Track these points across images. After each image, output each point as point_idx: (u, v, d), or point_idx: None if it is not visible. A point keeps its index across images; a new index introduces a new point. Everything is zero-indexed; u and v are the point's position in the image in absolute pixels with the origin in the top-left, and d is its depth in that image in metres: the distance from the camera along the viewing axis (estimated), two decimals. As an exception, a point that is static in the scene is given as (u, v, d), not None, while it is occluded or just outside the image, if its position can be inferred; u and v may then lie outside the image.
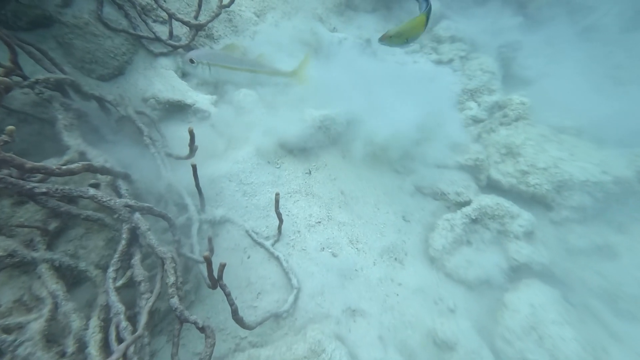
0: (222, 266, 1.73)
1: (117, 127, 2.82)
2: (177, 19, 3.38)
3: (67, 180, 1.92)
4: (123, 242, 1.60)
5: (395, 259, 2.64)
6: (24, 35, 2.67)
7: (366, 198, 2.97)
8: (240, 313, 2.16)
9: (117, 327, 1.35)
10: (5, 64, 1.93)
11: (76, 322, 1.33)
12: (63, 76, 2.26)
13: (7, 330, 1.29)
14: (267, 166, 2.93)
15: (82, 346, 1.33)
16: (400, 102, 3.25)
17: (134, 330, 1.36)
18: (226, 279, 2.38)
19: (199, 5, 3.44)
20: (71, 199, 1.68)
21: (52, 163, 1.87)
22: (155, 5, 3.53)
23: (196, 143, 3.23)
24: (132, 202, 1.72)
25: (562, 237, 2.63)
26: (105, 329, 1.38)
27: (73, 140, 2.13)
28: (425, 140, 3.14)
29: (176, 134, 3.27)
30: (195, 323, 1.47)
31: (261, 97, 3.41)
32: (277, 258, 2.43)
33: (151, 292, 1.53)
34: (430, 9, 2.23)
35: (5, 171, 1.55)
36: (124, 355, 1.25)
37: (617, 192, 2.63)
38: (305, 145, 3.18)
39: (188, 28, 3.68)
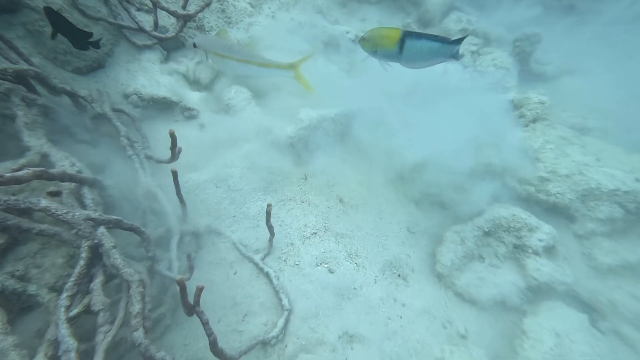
0: (199, 290, 1.53)
1: (92, 125, 2.62)
2: (163, 8, 3.17)
3: (24, 187, 1.73)
4: (81, 262, 1.40)
5: (399, 275, 2.43)
6: (-15, 21, 2.49)
7: (367, 206, 2.77)
8: (224, 338, 1.97)
9: (68, 367, 1.16)
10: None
11: (18, 362, 1.14)
12: (25, 67, 2.06)
13: None
14: (259, 170, 2.73)
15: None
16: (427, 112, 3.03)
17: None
18: (209, 298, 2.20)
19: None
20: (22, 211, 1.48)
21: (5, 167, 1.68)
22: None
23: (182, 144, 3.05)
24: (95, 215, 1.52)
25: (588, 253, 2.42)
26: (54, 369, 1.20)
27: (35, 141, 1.94)
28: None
29: (161, 133, 3.07)
30: (162, 362, 1.27)
31: (255, 94, 3.21)
32: (266, 274, 2.23)
33: (112, 323, 1.33)
34: (411, 34, 1.94)
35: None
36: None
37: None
38: (301, 148, 2.97)
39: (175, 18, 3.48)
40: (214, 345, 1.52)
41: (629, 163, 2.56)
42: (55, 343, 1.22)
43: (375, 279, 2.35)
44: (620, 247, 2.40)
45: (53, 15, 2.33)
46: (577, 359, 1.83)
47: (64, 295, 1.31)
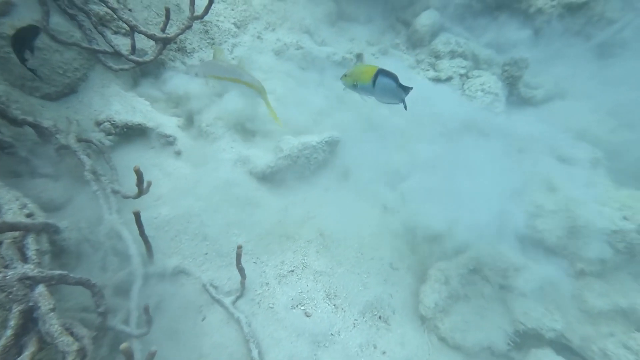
0: (151, 356, 1.39)
1: (57, 157, 2.48)
2: (140, 32, 3.06)
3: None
4: (9, 332, 1.25)
5: (380, 317, 2.29)
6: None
7: (349, 240, 2.64)
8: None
9: None
10: None
11: None
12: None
13: None
14: (235, 203, 2.60)
15: None
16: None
17: None
18: (173, 350, 2.04)
19: (167, 16, 3.12)
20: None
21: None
22: (115, 15, 3.23)
23: (156, 173, 2.92)
24: (33, 272, 1.37)
25: (578, 295, 2.32)
26: None
27: (-18, 181, 1.80)
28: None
29: (136, 162, 2.91)
30: None
31: (235, 121, 3.10)
32: (237, 320, 2.08)
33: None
34: (386, 72, 2.13)
35: None
36: None
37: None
38: (281, 177, 2.86)
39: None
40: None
41: (618, 199, 2.48)
42: None
43: (354, 323, 2.21)
44: (611, 289, 2.30)
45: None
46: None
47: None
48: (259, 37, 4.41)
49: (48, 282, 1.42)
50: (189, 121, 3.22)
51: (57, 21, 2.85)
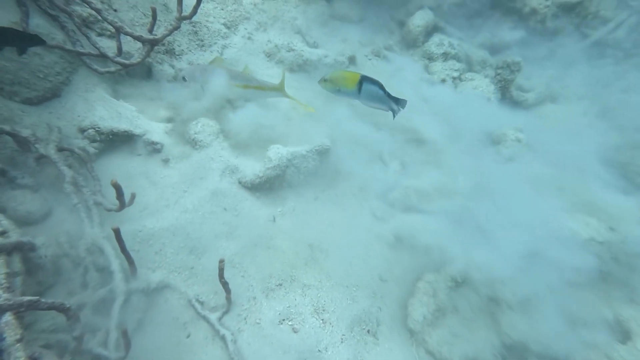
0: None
1: (37, 167, 2.39)
2: (127, 33, 2.94)
3: None
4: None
5: (368, 331, 2.26)
6: None
7: (338, 251, 2.60)
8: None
9: None
10: None
11: None
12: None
13: None
14: (223, 214, 2.53)
15: None
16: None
17: None
18: (155, 370, 1.98)
19: (154, 17, 2.99)
20: None
21: None
22: (100, 17, 3.09)
23: (143, 182, 2.82)
24: (0, 301, 1.30)
25: (564, 305, 2.30)
26: None
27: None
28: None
29: (121, 169, 2.84)
30: None
31: (223, 129, 3.01)
32: (222, 337, 2.03)
33: None
34: (369, 78, 2.39)
35: None
36: None
37: (630, 254, 2.31)
38: (270, 187, 2.79)
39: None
40: None
41: (605, 209, 2.46)
42: None
43: (342, 338, 2.17)
44: (596, 300, 2.29)
45: None
46: None
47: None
48: (249, 38, 4.29)
49: (16, 309, 1.35)
50: (177, 127, 3.11)
51: (38, 22, 2.72)
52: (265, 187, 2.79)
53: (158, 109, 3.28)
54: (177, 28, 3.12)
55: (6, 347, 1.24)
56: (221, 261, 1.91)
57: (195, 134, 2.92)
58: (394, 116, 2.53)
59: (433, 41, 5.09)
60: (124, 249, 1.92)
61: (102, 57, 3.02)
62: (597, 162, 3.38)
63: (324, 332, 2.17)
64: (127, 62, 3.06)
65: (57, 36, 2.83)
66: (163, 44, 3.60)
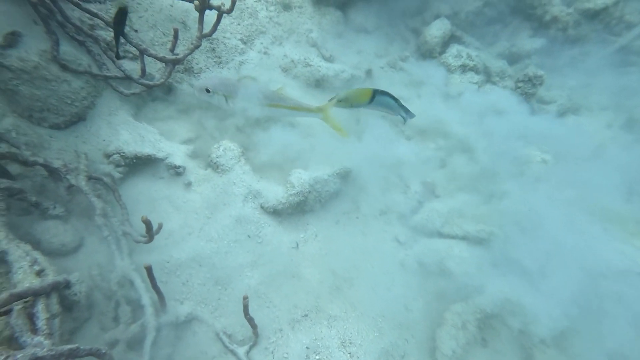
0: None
1: (68, 195, 2.43)
2: (150, 55, 2.98)
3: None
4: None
5: (396, 365, 2.24)
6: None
7: (362, 279, 2.58)
8: None
9: None
10: None
11: None
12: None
13: None
14: (247, 242, 2.54)
15: None
16: None
17: None
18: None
19: (175, 37, 3.02)
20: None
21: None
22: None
23: (166, 207, 2.85)
24: (43, 352, 1.32)
25: (599, 348, 2.23)
26: None
27: (-7, 239, 1.75)
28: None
29: (144, 194, 2.88)
30: None
31: (245, 151, 3.02)
32: (251, 372, 2.04)
33: None
34: (382, 92, 2.77)
35: None
36: None
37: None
38: (292, 212, 2.79)
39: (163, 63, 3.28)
40: None
41: (637, 233, 2.38)
42: None
43: (370, 373, 2.16)
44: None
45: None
46: None
47: None
48: (265, 53, 4.28)
49: (59, 358, 1.37)
50: (198, 149, 3.13)
51: (65, 49, 2.77)
52: (288, 212, 2.78)
53: (179, 130, 3.31)
54: (197, 47, 3.15)
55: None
56: (245, 298, 1.92)
57: (217, 157, 2.93)
58: (405, 122, 3.02)
59: (451, 52, 5.00)
60: (154, 285, 1.95)
61: (127, 79, 3.06)
62: (625, 180, 3.28)
63: (351, 366, 2.16)
64: (151, 83, 3.10)
65: (83, 61, 2.88)
66: (182, 63, 3.62)
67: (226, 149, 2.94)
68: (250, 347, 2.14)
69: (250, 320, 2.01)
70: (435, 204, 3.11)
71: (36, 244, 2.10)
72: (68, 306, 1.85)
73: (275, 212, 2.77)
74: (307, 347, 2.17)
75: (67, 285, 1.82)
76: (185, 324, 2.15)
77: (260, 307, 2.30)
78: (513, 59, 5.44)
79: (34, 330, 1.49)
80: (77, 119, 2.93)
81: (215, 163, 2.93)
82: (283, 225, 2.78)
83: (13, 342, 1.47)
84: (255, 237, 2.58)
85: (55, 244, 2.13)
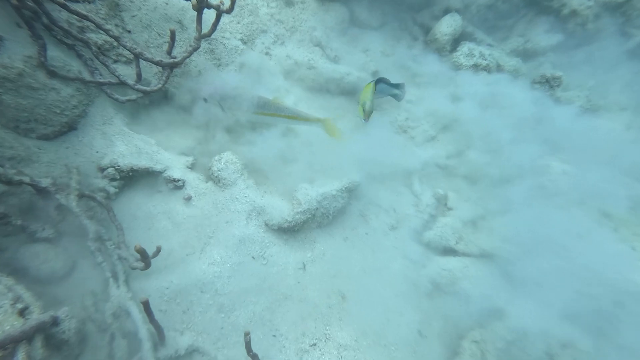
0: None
1: (59, 215, 2.28)
2: (146, 59, 2.80)
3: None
4: None
5: (410, 397, 2.13)
6: None
7: (373, 303, 2.46)
8: None
9: None
10: None
11: None
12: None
13: None
14: (251, 264, 2.40)
15: None
16: None
17: None
18: None
19: (172, 39, 2.84)
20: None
21: None
22: (115, 43, 2.94)
23: (165, 223, 2.71)
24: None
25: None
26: None
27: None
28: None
29: (142, 208, 2.74)
30: None
31: (248, 164, 2.86)
32: (257, 409, 1.92)
33: None
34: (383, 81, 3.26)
35: None
36: None
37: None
38: (299, 229, 2.64)
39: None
40: None
41: None
42: None
43: (383, 408, 2.05)
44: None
45: None
46: None
47: None
48: (267, 54, 4.09)
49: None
50: (198, 160, 2.98)
51: (53, 55, 2.58)
52: (293, 229, 2.64)
53: (178, 139, 3.15)
54: (196, 49, 2.96)
55: None
56: (247, 334, 1.79)
57: (219, 170, 2.78)
58: (399, 100, 3.52)
59: (462, 51, 4.79)
60: (152, 320, 1.82)
61: (122, 85, 2.88)
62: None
63: (363, 400, 2.04)
64: (148, 89, 2.92)
65: (73, 67, 2.70)
66: (180, 67, 3.43)
67: (228, 161, 2.78)
68: (256, 381, 2.02)
69: (254, 357, 1.88)
70: (449, 219, 2.96)
71: (23, 272, 1.96)
72: (56, 345, 1.73)
73: (281, 230, 2.63)
74: (316, 381, 2.06)
75: (55, 322, 1.69)
76: (186, 356, 2.03)
77: (265, 336, 2.18)
78: (527, 55, 5.22)
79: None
80: (68, 129, 2.76)
81: (216, 176, 2.78)
82: (289, 244, 2.64)
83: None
84: (259, 258, 2.45)
85: (44, 271, 2.00)
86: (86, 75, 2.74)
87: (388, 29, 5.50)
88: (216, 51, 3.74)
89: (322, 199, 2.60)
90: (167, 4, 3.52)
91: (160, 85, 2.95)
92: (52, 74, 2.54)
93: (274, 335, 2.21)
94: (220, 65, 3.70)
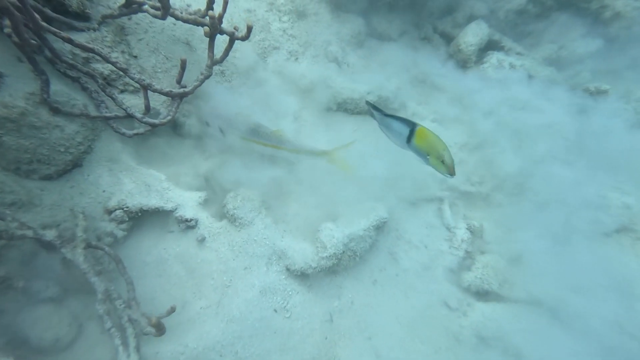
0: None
1: (63, 270, 2.15)
2: (155, 90, 2.68)
3: None
4: None
5: None
6: None
7: (411, 362, 2.25)
8: None
9: None
10: None
11: None
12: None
13: None
14: (274, 319, 2.23)
15: None
16: None
17: None
18: None
19: (182, 68, 2.71)
20: None
21: None
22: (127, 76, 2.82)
23: (178, 267, 2.56)
24: None
25: None
26: None
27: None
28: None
29: (152, 253, 2.60)
30: None
31: (265, 200, 2.69)
32: None
33: None
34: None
35: None
36: None
37: None
38: (323, 277, 2.46)
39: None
40: None
41: None
42: None
43: None
44: None
45: None
46: None
47: None
48: (280, 72, 3.93)
49: None
50: (212, 195, 2.82)
51: (56, 89, 2.47)
52: (318, 275, 2.46)
53: (189, 172, 3.01)
54: (208, 77, 2.83)
55: None
56: None
57: (235, 209, 2.62)
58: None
59: (490, 62, 4.57)
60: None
61: (129, 117, 2.75)
62: None
63: None
64: (156, 122, 2.78)
65: (78, 101, 2.58)
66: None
67: (244, 198, 2.62)
68: None
69: None
70: (489, 257, 2.74)
71: (23, 341, 1.82)
72: None
73: (304, 275, 2.45)
74: None
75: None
76: None
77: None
78: (562, 64, 4.94)
79: None
80: (72, 166, 2.64)
81: (232, 215, 2.62)
82: (313, 291, 2.46)
83: None
84: (282, 310, 2.27)
85: (47, 339, 1.86)
86: (92, 110, 2.63)
87: (407, 39, 5.32)
88: (227, 72, 3.61)
89: (349, 241, 2.42)
90: (174, 24, 3.41)
91: (169, 117, 2.81)
92: (56, 110, 2.43)
93: (302, 406, 2.02)
94: (232, 87, 3.57)
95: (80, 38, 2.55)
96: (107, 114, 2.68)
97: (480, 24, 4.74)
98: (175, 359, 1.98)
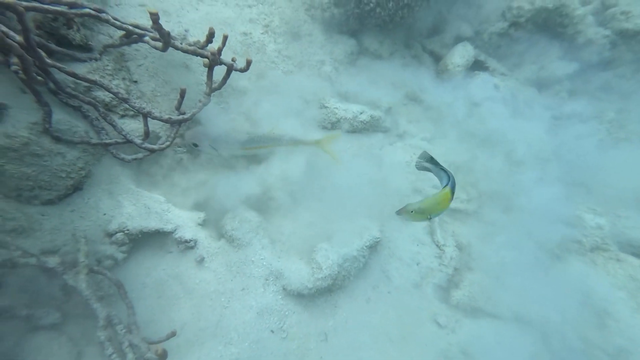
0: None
1: (64, 296, 2.20)
2: (155, 118, 2.76)
3: None
4: None
5: None
6: None
7: (403, 380, 2.33)
8: None
9: None
10: None
11: None
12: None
13: None
14: (270, 340, 2.30)
15: None
16: None
17: None
18: None
19: (181, 95, 2.82)
20: None
21: None
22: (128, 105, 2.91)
23: (176, 288, 2.62)
24: None
25: None
26: None
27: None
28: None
29: (152, 274, 2.65)
30: None
31: (263, 221, 2.78)
32: None
33: None
34: (454, 183, 1.96)
35: None
36: None
37: None
38: (318, 296, 2.55)
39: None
40: None
41: None
42: None
43: None
44: None
45: None
46: None
47: None
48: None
49: None
50: (211, 215, 2.90)
51: (58, 118, 2.54)
52: (313, 296, 2.54)
53: (188, 192, 3.08)
54: (206, 104, 2.94)
55: None
56: None
57: (233, 230, 2.70)
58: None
59: (475, 83, 4.77)
60: None
61: (129, 143, 2.83)
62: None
63: None
64: (155, 147, 2.86)
65: (79, 128, 2.65)
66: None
67: (242, 220, 2.71)
68: None
69: None
70: (477, 275, 2.86)
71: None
72: None
73: (300, 295, 2.53)
74: None
75: None
76: None
77: None
78: (542, 84, 5.20)
79: None
80: (73, 190, 2.70)
81: (230, 235, 2.70)
82: (308, 310, 2.54)
83: None
84: (279, 331, 2.34)
85: (48, 367, 1.89)
86: (93, 136, 2.70)
87: (397, 58, 5.50)
88: (224, 94, 3.72)
89: (344, 261, 2.51)
90: (174, 49, 3.51)
91: (168, 143, 2.89)
92: (58, 139, 2.50)
93: None
94: (228, 109, 3.68)
95: (83, 68, 2.64)
96: (107, 141, 2.75)
97: (466, 46, 4.96)
98: (175, 383, 2.04)
